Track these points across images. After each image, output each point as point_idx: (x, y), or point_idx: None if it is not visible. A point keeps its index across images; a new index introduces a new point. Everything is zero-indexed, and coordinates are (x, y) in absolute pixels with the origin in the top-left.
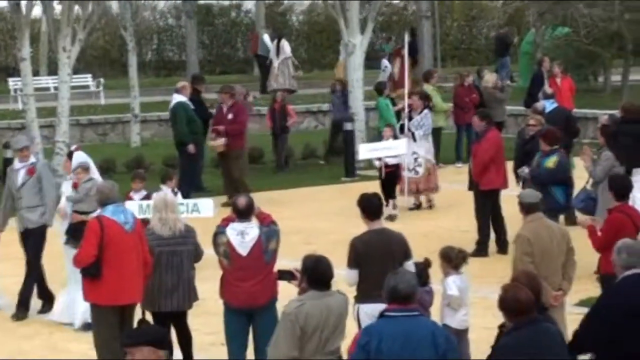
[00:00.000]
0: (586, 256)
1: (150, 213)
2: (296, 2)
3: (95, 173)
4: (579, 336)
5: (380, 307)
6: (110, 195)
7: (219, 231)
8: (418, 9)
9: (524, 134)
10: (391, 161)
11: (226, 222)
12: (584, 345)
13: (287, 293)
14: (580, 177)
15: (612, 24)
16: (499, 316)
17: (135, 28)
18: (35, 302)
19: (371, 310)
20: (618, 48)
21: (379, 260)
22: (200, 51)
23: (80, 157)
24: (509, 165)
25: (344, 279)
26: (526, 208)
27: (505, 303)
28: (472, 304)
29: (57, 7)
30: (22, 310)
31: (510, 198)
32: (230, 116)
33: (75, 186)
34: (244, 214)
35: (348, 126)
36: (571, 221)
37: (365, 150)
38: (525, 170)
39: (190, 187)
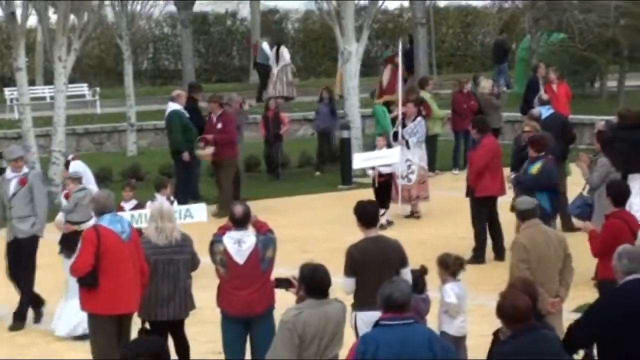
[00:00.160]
0: (583, 262)
1: (143, 223)
2: (292, 9)
3: (92, 182)
4: (575, 332)
5: (378, 314)
6: (106, 204)
7: (216, 240)
8: (413, 16)
9: (520, 141)
10: (384, 170)
11: (223, 230)
12: (579, 342)
13: (284, 301)
14: (577, 184)
15: (607, 30)
16: (495, 324)
17: (131, 37)
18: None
19: (368, 318)
20: (614, 54)
21: (376, 267)
22: (196, 60)
23: (76, 166)
24: (507, 171)
25: (341, 287)
26: (522, 215)
27: (504, 310)
28: (469, 311)
29: (53, 17)
30: (18, 321)
31: (507, 205)
32: (219, 125)
33: (67, 196)
34: (240, 222)
35: (344, 134)
36: (568, 227)
37: (359, 160)
38: (511, 175)
39: (187, 196)
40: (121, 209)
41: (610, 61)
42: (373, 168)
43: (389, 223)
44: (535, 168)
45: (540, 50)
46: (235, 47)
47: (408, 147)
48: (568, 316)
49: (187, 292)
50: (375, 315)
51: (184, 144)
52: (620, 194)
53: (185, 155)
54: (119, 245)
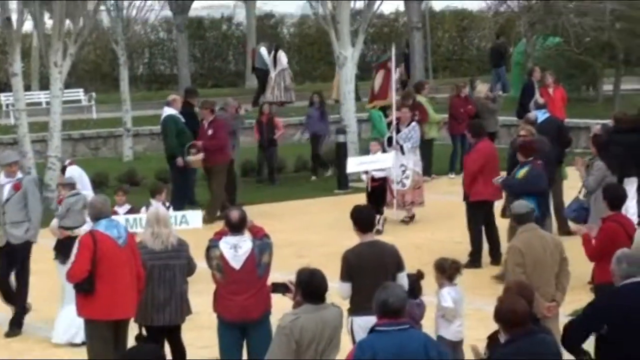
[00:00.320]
0: (580, 266)
1: (137, 227)
2: (287, 14)
3: (88, 188)
4: (570, 332)
5: (374, 319)
6: (103, 209)
7: (212, 245)
8: (409, 20)
9: (515, 145)
10: (378, 175)
11: (219, 235)
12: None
13: (281, 306)
14: (573, 187)
15: (603, 34)
16: (492, 328)
17: (127, 42)
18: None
19: (365, 323)
20: (609, 57)
21: (372, 272)
22: (192, 64)
23: (72, 171)
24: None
25: (337, 291)
26: (517, 219)
27: (501, 314)
28: (466, 315)
29: (48, 22)
30: (14, 328)
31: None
32: (210, 132)
33: (60, 202)
34: (236, 227)
35: (340, 138)
36: (564, 231)
37: (353, 164)
38: (498, 180)
39: (183, 201)
40: (115, 213)
41: (605, 65)
42: (366, 172)
43: (378, 232)
44: (522, 172)
45: (535, 54)
46: (231, 52)
47: (402, 152)
48: (564, 320)
49: (184, 298)
50: (372, 320)
51: (179, 149)
52: (616, 198)
53: (179, 161)
54: (116, 251)
